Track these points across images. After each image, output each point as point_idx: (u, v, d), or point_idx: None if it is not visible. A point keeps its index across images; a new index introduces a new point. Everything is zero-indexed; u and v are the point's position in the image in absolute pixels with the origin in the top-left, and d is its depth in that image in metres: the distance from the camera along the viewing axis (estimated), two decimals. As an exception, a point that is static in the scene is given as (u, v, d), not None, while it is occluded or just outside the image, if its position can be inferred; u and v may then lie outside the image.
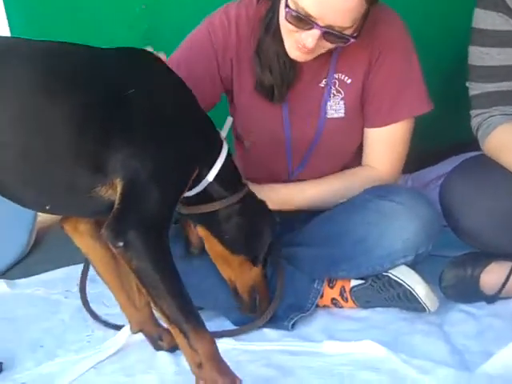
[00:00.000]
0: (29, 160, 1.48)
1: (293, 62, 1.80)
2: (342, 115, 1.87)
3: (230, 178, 1.67)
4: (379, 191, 1.80)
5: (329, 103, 1.87)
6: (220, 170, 1.63)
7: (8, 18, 2.26)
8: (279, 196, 1.88)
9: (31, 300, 2.11)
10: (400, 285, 1.80)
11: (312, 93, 1.87)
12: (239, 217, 1.66)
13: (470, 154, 1.96)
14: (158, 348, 1.76)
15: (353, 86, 1.86)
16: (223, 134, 1.69)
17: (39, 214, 2.56)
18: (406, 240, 1.76)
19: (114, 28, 2.29)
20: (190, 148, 1.57)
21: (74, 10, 2.28)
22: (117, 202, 1.48)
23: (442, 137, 2.33)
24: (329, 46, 1.71)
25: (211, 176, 1.62)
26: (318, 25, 1.64)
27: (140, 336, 1.79)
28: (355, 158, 1.94)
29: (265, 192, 1.79)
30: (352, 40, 1.69)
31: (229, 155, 1.67)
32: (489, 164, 1.80)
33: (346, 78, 1.86)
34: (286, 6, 1.66)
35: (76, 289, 2.12)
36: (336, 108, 1.87)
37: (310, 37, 1.66)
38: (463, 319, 1.82)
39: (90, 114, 1.49)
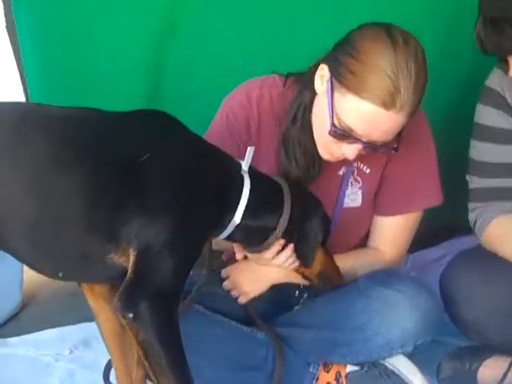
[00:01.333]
0: (40, 229, 1.47)
1: (320, 161, 1.78)
2: (359, 204, 1.87)
3: (263, 203, 1.65)
4: (383, 278, 1.79)
5: (346, 192, 1.86)
6: (248, 206, 1.61)
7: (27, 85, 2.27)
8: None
9: (22, 361, 2.08)
10: (396, 375, 1.78)
11: (331, 180, 1.85)
12: (300, 225, 1.68)
13: (470, 237, 1.97)
14: None
15: (371, 176, 1.85)
16: (244, 166, 1.63)
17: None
18: (405, 330, 1.74)
19: (118, 88, 2.30)
20: (205, 214, 1.55)
21: (79, 70, 2.28)
22: (129, 271, 1.47)
23: (442, 217, 2.33)
24: (362, 156, 1.71)
25: (238, 218, 1.60)
26: (361, 141, 1.64)
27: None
28: (361, 243, 1.95)
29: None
30: (392, 152, 1.69)
31: (255, 185, 1.62)
32: (492, 255, 1.80)
33: (365, 167, 1.85)
34: (332, 124, 1.63)
35: (67, 352, 2.11)
36: (353, 197, 1.87)
37: (352, 150, 1.65)
38: (459, 413, 1.80)
39: (102, 184, 1.48)
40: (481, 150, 1.83)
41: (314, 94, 1.72)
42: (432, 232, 2.49)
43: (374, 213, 1.90)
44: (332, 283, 1.77)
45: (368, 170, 1.86)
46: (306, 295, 1.90)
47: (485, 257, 1.81)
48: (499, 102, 1.78)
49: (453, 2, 2.34)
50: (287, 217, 1.64)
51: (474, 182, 1.86)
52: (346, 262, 1.86)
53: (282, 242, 1.69)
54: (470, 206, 1.87)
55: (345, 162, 1.79)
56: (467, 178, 1.88)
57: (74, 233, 1.48)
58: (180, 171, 1.55)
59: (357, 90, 1.59)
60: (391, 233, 1.86)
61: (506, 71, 1.71)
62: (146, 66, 2.33)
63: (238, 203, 1.61)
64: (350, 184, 1.86)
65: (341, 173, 1.85)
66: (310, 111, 1.74)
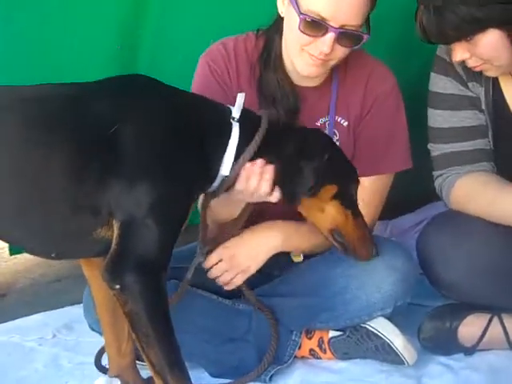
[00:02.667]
0: (27, 212, 1.47)
1: (295, 91, 1.82)
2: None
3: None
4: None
5: (315, 109, 1.87)
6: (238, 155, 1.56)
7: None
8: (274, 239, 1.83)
9: (6, 347, 2.06)
10: (378, 337, 1.80)
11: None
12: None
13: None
14: None
15: (348, 129, 1.88)
16: (235, 113, 1.60)
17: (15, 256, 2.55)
18: (384, 293, 1.76)
19: (88, 68, 2.28)
20: (188, 173, 1.51)
21: (47, 50, 2.26)
22: (114, 242, 1.47)
23: (419, 184, 2.35)
24: (341, 53, 1.74)
25: (225, 170, 1.57)
26: (332, 27, 1.68)
27: (115, 388, 1.76)
28: None
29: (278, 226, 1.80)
30: (366, 36, 1.72)
31: (245, 131, 1.58)
32: (463, 217, 1.82)
33: (343, 120, 1.88)
34: (300, 13, 1.69)
35: (50, 336, 2.10)
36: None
37: (327, 41, 1.69)
38: (441, 372, 1.81)
39: (81, 157, 1.47)
40: (435, 117, 1.87)
41: (281, 35, 1.78)
42: (410, 199, 2.52)
43: None
44: (353, 251, 1.68)
45: (346, 123, 1.88)
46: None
47: (457, 219, 1.83)
48: (448, 70, 1.84)
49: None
50: (258, 140, 1.57)
51: (433, 149, 1.90)
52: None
53: (255, 164, 1.59)
54: (434, 174, 1.91)
55: (321, 107, 1.84)
56: (428, 146, 1.91)
57: (60, 211, 1.47)
58: (156, 130, 1.51)
59: None
60: (366, 193, 1.85)
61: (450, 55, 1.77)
62: (115, 45, 2.31)
63: (224, 151, 1.56)
64: None
65: (318, 123, 1.88)
66: (281, 54, 1.82)
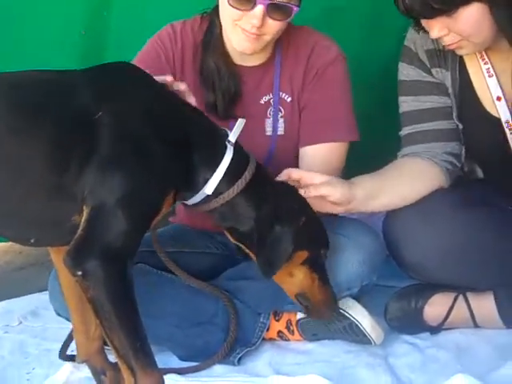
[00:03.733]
0: (7, 198, 1.45)
1: (234, 72, 1.84)
2: (282, 133, 1.90)
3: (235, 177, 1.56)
4: (327, 223, 1.80)
5: (268, 120, 1.89)
6: (225, 177, 1.55)
7: None
8: None
9: (-30, 335, 2.04)
10: (345, 317, 1.81)
11: (252, 109, 1.89)
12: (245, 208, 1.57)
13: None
14: (98, 382, 1.71)
15: (292, 104, 1.90)
16: (232, 137, 1.59)
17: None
18: (351, 272, 1.78)
19: (53, 53, 2.25)
20: (165, 170, 1.50)
21: (12, 35, 2.24)
22: (80, 227, 1.45)
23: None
24: (274, 27, 1.74)
25: (209, 189, 1.55)
26: None
27: (81, 374, 1.74)
28: None
29: None
30: (295, 9, 1.73)
31: (239, 159, 1.57)
32: (429, 198, 1.84)
33: (287, 96, 1.90)
34: None
35: (16, 323, 2.08)
36: (276, 125, 1.89)
37: (256, 14, 1.70)
38: (408, 351, 1.83)
39: (59, 143, 1.45)
40: (401, 103, 1.92)
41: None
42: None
43: (299, 145, 1.91)
44: (316, 313, 1.69)
45: (289, 99, 1.89)
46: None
47: (423, 200, 1.84)
48: (412, 58, 1.89)
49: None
50: (247, 178, 1.55)
51: (400, 133, 1.93)
52: None
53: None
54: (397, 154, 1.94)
55: (264, 85, 1.86)
56: (400, 133, 1.95)
57: (39, 197, 1.45)
58: (139, 122, 1.50)
59: None
60: (319, 164, 1.87)
61: (418, 31, 1.81)
62: (80, 30, 2.29)
63: (213, 169, 1.55)
64: (271, 113, 1.89)
65: (262, 102, 1.89)
66: (221, 34, 1.83)
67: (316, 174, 1.72)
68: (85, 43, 2.30)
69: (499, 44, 1.76)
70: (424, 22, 1.74)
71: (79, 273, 1.42)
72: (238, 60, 1.87)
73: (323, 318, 1.73)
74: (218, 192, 1.55)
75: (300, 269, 1.63)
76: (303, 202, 1.64)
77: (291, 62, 1.89)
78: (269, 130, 1.90)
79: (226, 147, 1.57)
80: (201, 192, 1.56)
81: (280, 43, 1.88)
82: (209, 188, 1.55)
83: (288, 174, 1.69)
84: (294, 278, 1.64)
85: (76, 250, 1.44)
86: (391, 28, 2.31)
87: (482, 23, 1.69)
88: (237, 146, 1.59)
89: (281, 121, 1.90)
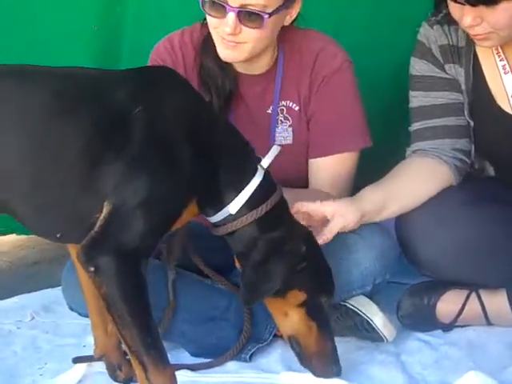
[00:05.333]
0: (40, 189, 1.47)
1: (230, 76, 1.83)
2: (290, 142, 1.89)
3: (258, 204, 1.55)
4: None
5: (277, 130, 1.88)
6: (249, 200, 1.54)
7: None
8: None
9: (-17, 330, 2.05)
10: (358, 315, 1.81)
11: (259, 119, 1.88)
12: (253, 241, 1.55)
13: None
14: (113, 377, 1.73)
15: (300, 113, 1.89)
16: (265, 162, 1.58)
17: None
18: (363, 271, 1.78)
19: (65, 49, 2.26)
20: (190, 179, 1.51)
21: (24, 31, 2.24)
22: (98, 224, 1.46)
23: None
24: (251, 36, 1.73)
25: (233, 208, 1.55)
26: (230, 6, 1.68)
27: (95, 369, 1.75)
28: (298, 184, 1.92)
29: None
30: (266, 17, 1.71)
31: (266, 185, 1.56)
32: (442, 195, 1.83)
33: (294, 105, 1.89)
34: None
35: (29, 319, 2.09)
36: (284, 135, 1.89)
37: (228, 21, 1.70)
38: (420, 348, 1.83)
39: (95, 139, 1.47)
40: (411, 98, 1.91)
41: None
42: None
43: (309, 156, 1.90)
44: (309, 364, 1.62)
45: (297, 108, 1.88)
46: None
47: (438, 198, 1.83)
48: (425, 53, 1.87)
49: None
50: (269, 206, 1.54)
51: (410, 128, 1.92)
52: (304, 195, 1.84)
53: None
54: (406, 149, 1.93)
55: (266, 94, 1.85)
56: (409, 129, 1.93)
57: (70, 191, 1.48)
58: (172, 127, 1.51)
59: None
60: (328, 176, 1.87)
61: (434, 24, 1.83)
62: (92, 25, 2.28)
63: (240, 189, 1.55)
64: (279, 122, 1.89)
65: (269, 111, 1.88)
66: None
67: (324, 207, 1.70)
68: (97, 39, 2.29)
69: None
70: (458, 9, 1.70)
71: (92, 268, 1.43)
72: (240, 68, 1.86)
73: (315, 373, 1.62)
74: (239, 214, 1.55)
75: (296, 311, 1.60)
76: (313, 245, 1.62)
77: (296, 69, 1.87)
78: (278, 140, 1.88)
79: (256, 170, 1.57)
80: (224, 210, 1.56)
81: (282, 50, 1.86)
82: (233, 207, 1.55)
83: (297, 208, 1.68)
84: (288, 319, 1.61)
85: (90, 246, 1.45)
86: (401, 28, 2.30)
87: None
88: (267, 172, 1.59)
89: (289, 130, 1.89)
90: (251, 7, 1.69)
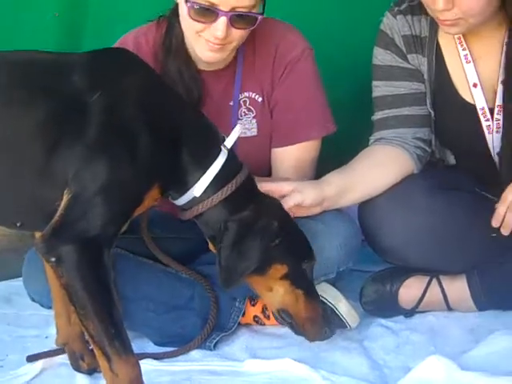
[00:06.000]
0: None
1: (196, 77, 1.81)
2: (255, 134, 1.88)
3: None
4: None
5: (240, 122, 1.87)
6: (214, 181, 1.53)
7: None
8: None
9: None
10: (322, 302, 1.81)
11: (222, 112, 1.86)
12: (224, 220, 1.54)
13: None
14: (76, 368, 1.71)
15: (263, 103, 1.88)
16: (228, 142, 1.58)
17: None
18: (327, 258, 1.78)
19: (26, 36, 2.22)
20: (150, 163, 1.48)
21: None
22: (58, 213, 1.44)
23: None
24: (238, 36, 1.72)
25: (198, 191, 1.53)
26: (222, 11, 1.66)
27: (57, 360, 1.73)
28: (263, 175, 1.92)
29: None
30: (260, 17, 1.71)
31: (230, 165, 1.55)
32: (404, 183, 1.85)
33: (257, 96, 1.88)
34: (186, 1, 1.67)
35: (-9, 310, 2.06)
36: (248, 127, 1.88)
37: (219, 26, 1.67)
38: (383, 334, 1.85)
39: (51, 125, 1.45)
40: (374, 87, 1.92)
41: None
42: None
43: (272, 146, 1.90)
44: (302, 331, 1.63)
45: (260, 99, 1.88)
46: None
47: (401, 185, 1.85)
48: (387, 43, 1.89)
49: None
50: (233, 186, 1.53)
51: (373, 117, 1.94)
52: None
53: None
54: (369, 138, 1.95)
55: (228, 86, 1.83)
56: (372, 118, 1.95)
57: (28, 178, 1.45)
58: (130, 111, 1.49)
59: None
60: (292, 164, 1.87)
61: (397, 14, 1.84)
62: (52, 12, 2.25)
63: (203, 170, 1.53)
64: (243, 114, 1.88)
65: (231, 103, 1.87)
66: (183, 39, 1.79)
67: (283, 184, 1.72)
68: (58, 27, 2.25)
69: (481, 29, 1.77)
70: None
71: (53, 259, 1.42)
72: (201, 66, 1.84)
73: (310, 338, 1.66)
74: (205, 196, 1.54)
75: (280, 284, 1.60)
76: (285, 217, 1.61)
77: (257, 60, 1.86)
78: (242, 132, 1.85)
79: (220, 151, 1.55)
80: (189, 193, 1.55)
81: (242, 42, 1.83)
82: (197, 189, 1.53)
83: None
84: (274, 294, 1.61)
85: (50, 235, 1.43)
86: (363, 15, 2.31)
87: (490, 4, 1.68)
88: (231, 152, 1.57)
89: (253, 121, 1.88)
90: (242, 9, 1.67)
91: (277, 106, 1.88)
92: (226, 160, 1.55)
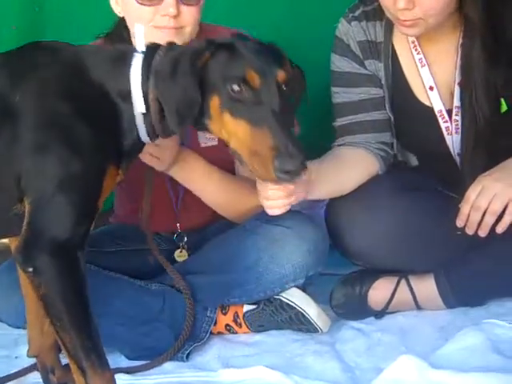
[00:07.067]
0: None
1: None
2: (215, 143, 1.88)
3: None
4: (269, 216, 1.81)
5: (200, 133, 1.85)
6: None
7: None
8: (200, 166, 1.82)
9: None
10: (292, 307, 1.83)
11: None
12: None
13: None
14: (46, 381, 1.69)
15: None
16: (139, 47, 1.49)
17: None
18: (296, 264, 1.79)
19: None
20: (93, 141, 1.43)
21: None
22: (25, 221, 1.41)
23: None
24: (190, 15, 1.73)
25: (140, 106, 1.45)
26: None
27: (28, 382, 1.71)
28: None
29: (190, 157, 1.78)
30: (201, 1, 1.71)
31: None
32: (368, 185, 1.87)
33: None
34: None
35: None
36: (209, 136, 1.86)
37: (169, 3, 1.68)
38: (354, 336, 1.86)
39: None
40: (333, 94, 1.94)
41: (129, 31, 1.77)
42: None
43: None
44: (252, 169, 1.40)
45: None
46: (185, 238, 1.92)
47: (362, 188, 1.87)
48: (344, 50, 1.91)
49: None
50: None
51: (334, 123, 1.95)
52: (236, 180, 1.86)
53: None
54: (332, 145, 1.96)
55: None
56: (332, 123, 1.96)
57: None
58: (52, 101, 1.44)
59: None
60: None
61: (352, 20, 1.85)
62: (10, 25, 2.24)
63: (128, 89, 1.45)
64: None
65: None
66: None
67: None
68: (16, 39, 2.23)
69: (436, 32, 1.80)
70: None
71: (30, 269, 1.39)
72: None
73: (260, 176, 1.41)
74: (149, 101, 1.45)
75: (221, 118, 1.42)
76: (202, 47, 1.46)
77: None
78: (202, 141, 1.87)
79: (130, 66, 1.47)
80: (138, 117, 1.46)
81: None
82: (139, 106, 1.45)
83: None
84: (225, 132, 1.43)
85: (25, 246, 1.40)
86: (319, 23, 2.32)
87: (449, 4, 1.71)
88: (147, 49, 1.48)
89: None
90: None
91: None
92: (144, 59, 1.47)
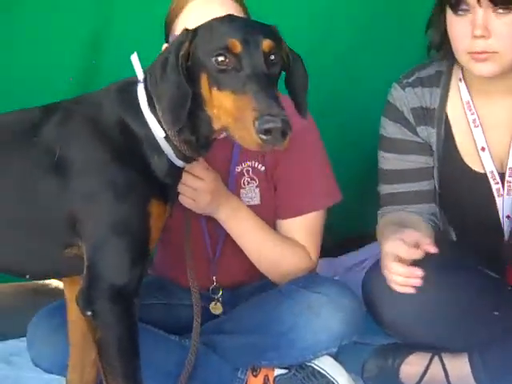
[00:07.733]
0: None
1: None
2: (258, 202, 1.90)
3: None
4: (305, 281, 1.83)
5: (243, 191, 1.88)
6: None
7: None
8: (229, 204, 1.83)
9: None
10: (323, 376, 1.81)
11: (225, 181, 1.86)
12: None
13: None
14: None
15: (266, 174, 1.90)
16: (139, 76, 1.52)
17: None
18: (331, 332, 1.78)
19: (40, 100, 2.25)
20: (134, 180, 1.48)
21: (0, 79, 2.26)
22: (85, 264, 1.47)
23: (366, 222, 2.41)
24: None
25: (159, 131, 1.48)
26: None
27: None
28: None
29: (221, 194, 1.79)
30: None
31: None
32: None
33: (260, 165, 1.89)
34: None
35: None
36: (251, 195, 1.89)
37: None
38: (383, 410, 1.85)
39: (33, 181, 1.48)
40: (382, 159, 1.94)
41: None
42: (356, 237, 2.57)
43: (277, 217, 1.92)
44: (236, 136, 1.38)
45: (263, 168, 1.89)
46: (220, 293, 1.92)
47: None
48: (397, 116, 1.90)
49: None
50: None
51: (380, 189, 1.96)
52: (276, 236, 1.87)
53: None
54: (378, 213, 1.96)
55: (229, 156, 1.85)
56: (378, 188, 1.97)
57: (29, 234, 1.49)
58: (98, 153, 1.50)
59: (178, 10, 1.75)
60: (299, 234, 1.88)
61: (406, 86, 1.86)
62: (67, 76, 2.31)
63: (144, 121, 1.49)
64: (246, 183, 1.90)
65: (230, 171, 1.87)
66: None
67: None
68: (73, 91, 2.30)
69: (492, 91, 1.80)
70: (463, 23, 1.70)
71: (89, 313, 1.44)
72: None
73: (243, 142, 1.38)
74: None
75: (213, 97, 1.41)
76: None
77: None
78: (245, 201, 1.88)
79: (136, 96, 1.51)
80: (161, 142, 1.49)
81: None
82: (158, 131, 1.48)
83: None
84: (219, 111, 1.41)
85: (86, 290, 1.46)
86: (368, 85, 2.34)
87: None
88: (147, 76, 1.50)
89: (256, 190, 1.89)
90: None
91: (281, 180, 1.89)
92: (146, 89, 1.50)
